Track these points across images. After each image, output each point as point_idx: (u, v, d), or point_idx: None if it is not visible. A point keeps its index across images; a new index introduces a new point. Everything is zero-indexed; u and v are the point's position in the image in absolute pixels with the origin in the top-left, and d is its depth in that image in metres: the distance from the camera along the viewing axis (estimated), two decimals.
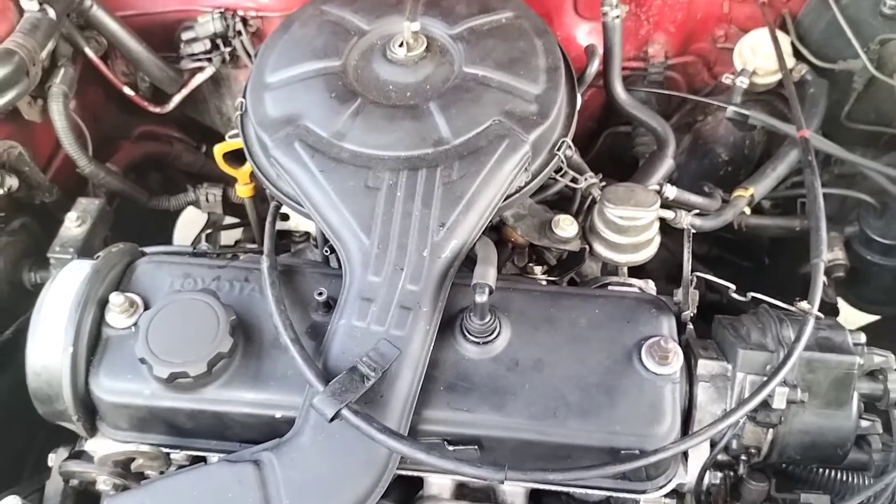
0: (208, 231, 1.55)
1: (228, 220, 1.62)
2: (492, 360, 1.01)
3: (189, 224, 1.82)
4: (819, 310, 1.69)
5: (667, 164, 1.40)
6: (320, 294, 1.03)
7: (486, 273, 0.98)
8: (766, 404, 0.99)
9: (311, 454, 0.91)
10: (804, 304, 0.99)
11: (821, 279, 1.02)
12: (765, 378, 0.98)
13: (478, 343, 1.01)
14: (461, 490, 1.10)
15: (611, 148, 1.85)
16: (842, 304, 1.84)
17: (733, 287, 1.06)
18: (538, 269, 1.21)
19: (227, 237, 1.66)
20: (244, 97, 1.20)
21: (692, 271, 1.77)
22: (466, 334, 1.01)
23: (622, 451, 0.95)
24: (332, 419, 0.87)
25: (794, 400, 0.98)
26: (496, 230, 1.26)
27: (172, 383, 0.97)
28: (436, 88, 1.15)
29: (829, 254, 1.50)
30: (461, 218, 1.04)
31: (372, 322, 0.97)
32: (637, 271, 1.32)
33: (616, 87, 1.47)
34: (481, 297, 0.96)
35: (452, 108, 1.11)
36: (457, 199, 1.05)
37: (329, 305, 1.03)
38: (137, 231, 1.66)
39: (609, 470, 0.87)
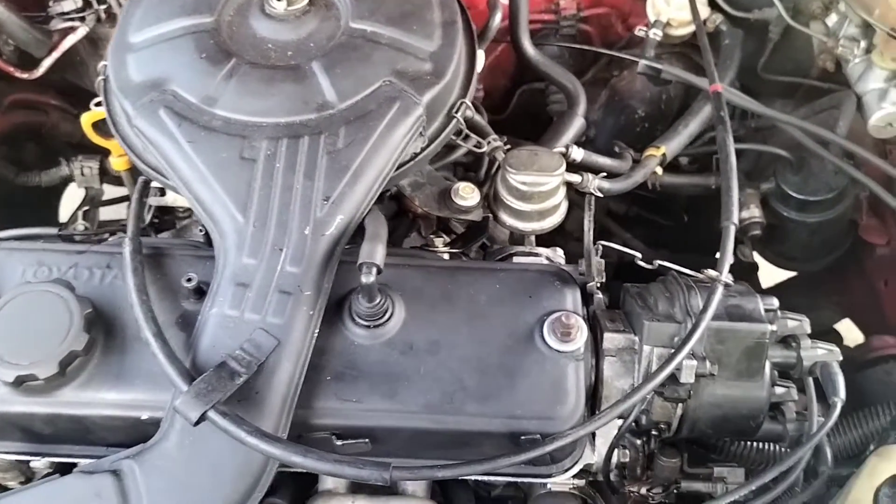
0: (85, 208, 1.42)
1: (112, 192, 1.49)
2: (384, 344, 0.93)
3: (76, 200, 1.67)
4: (736, 268, 1.67)
5: (577, 124, 1.33)
6: (189, 280, 0.92)
7: (374, 251, 0.89)
8: (674, 378, 0.93)
9: (177, 461, 0.82)
10: (711, 272, 0.93)
11: (731, 244, 0.96)
12: (672, 350, 0.92)
13: (368, 327, 0.93)
14: (359, 482, 1.02)
15: (526, 106, 1.77)
16: (761, 261, 1.83)
17: (639, 255, 1.00)
18: (439, 242, 1.13)
19: (116, 214, 1.53)
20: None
21: (607, 232, 1.75)
22: (355, 318, 0.93)
23: (522, 437, 0.88)
24: (196, 422, 0.78)
25: (703, 373, 0.93)
26: (396, 200, 1.17)
27: (21, 387, 0.86)
28: (320, 46, 1.04)
29: (745, 211, 1.47)
30: (347, 190, 0.95)
31: (247, 310, 0.88)
32: (562, 238, 1.26)
33: (523, 42, 1.38)
34: (368, 278, 0.87)
35: (338, 67, 1.01)
36: (343, 169, 0.95)
37: (202, 292, 0.93)
38: (14, 212, 1.53)
39: (501, 462, 0.80)
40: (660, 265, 0.98)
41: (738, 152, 1.56)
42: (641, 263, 1.00)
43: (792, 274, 1.85)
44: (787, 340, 1.02)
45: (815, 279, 1.82)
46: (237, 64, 1.02)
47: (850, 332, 1.81)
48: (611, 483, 1.00)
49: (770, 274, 1.88)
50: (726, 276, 0.93)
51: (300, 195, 0.93)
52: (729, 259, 0.94)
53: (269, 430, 0.83)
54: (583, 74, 1.72)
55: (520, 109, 1.78)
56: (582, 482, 1.01)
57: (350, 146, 0.96)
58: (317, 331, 0.90)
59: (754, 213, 1.46)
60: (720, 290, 0.92)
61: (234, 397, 0.82)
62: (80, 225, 1.35)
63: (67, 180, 1.45)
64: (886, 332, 1.53)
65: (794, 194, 1.46)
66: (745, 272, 1.79)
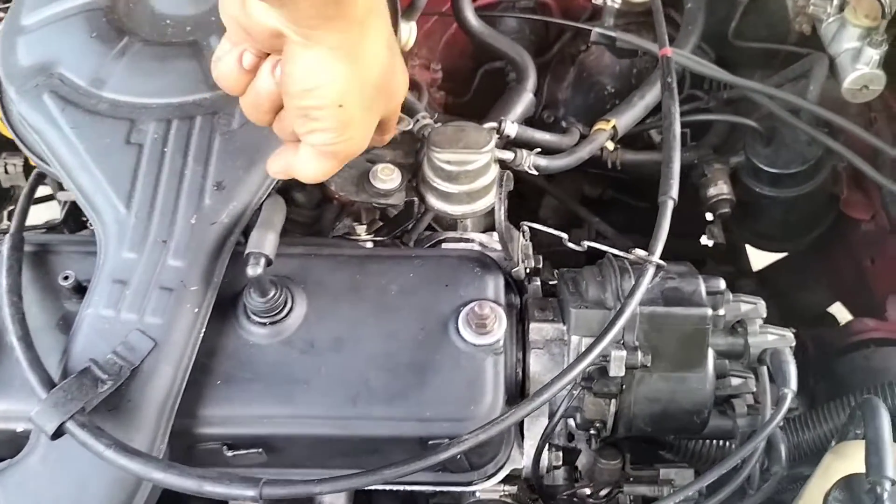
0: (10, 208, 1.35)
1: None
2: (282, 342, 0.85)
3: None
4: (718, 257, 1.58)
5: (525, 99, 1.24)
6: (66, 278, 0.85)
7: (263, 240, 0.81)
8: (603, 371, 0.84)
9: (40, 477, 0.75)
10: (640, 252, 0.84)
11: (666, 222, 0.86)
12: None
13: (263, 323, 0.85)
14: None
15: (490, 86, 1.68)
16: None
17: (565, 236, 0.91)
18: (361, 229, 1.04)
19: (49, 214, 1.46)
20: None
21: (576, 218, 1.65)
22: (249, 315, 0.85)
23: (431, 441, 0.80)
24: (53, 436, 0.71)
25: (635, 365, 0.83)
26: (321, 187, 1.09)
27: None
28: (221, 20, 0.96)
29: (712, 188, 1.37)
30: (242, 175, 0.87)
31: (124, 309, 0.80)
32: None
33: (466, 13, 1.29)
34: (255, 270, 0.79)
35: None
36: (237, 153, 0.87)
37: (82, 289, 0.85)
38: None
39: (390, 473, 0.72)
40: (588, 247, 0.89)
41: (707, 125, 1.48)
42: (571, 245, 0.90)
43: (781, 256, 1.76)
44: (735, 327, 0.92)
45: (803, 261, 1.73)
46: (130, 42, 0.94)
47: (845, 315, 1.72)
48: (542, 488, 0.91)
49: (761, 257, 1.79)
50: (658, 256, 0.83)
51: (189, 181, 0.86)
52: (663, 237, 0.85)
53: (144, 442, 0.75)
54: (547, 50, 1.64)
55: (483, 90, 1.68)
56: (514, 489, 0.92)
57: (246, 126, 0.88)
58: (202, 329, 0.82)
59: (723, 189, 1.35)
60: (651, 271, 0.82)
61: (103, 406, 0.75)
62: (5, 224, 1.28)
63: None
64: (876, 313, 1.43)
65: (766, 168, 1.36)
66: (727, 256, 1.70)
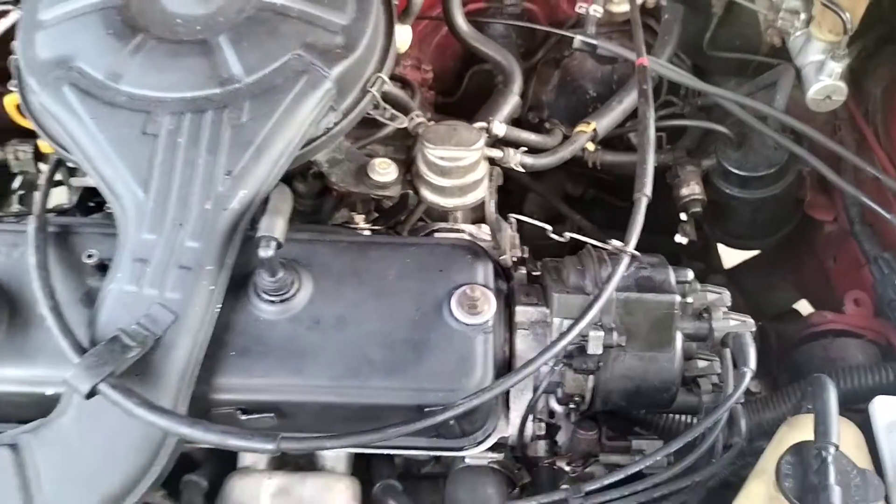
0: (21, 192, 1.41)
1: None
2: (290, 319, 0.92)
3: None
4: (690, 253, 1.67)
5: (511, 101, 1.32)
6: (90, 256, 0.92)
7: (273, 224, 0.89)
8: (583, 350, 0.93)
9: (73, 434, 0.82)
10: (617, 243, 0.92)
11: (640, 216, 0.95)
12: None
13: (273, 301, 0.92)
14: (279, 460, 1.02)
15: (478, 87, 1.76)
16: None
17: (549, 228, 0.99)
18: (359, 219, 1.12)
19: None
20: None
21: (558, 215, 1.73)
22: (260, 293, 0.92)
23: (426, 409, 0.88)
24: (88, 395, 0.78)
25: (611, 344, 0.92)
26: (320, 178, 1.16)
27: None
28: (229, 20, 1.02)
29: (685, 188, 1.46)
30: (251, 165, 0.93)
31: (146, 285, 0.87)
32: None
33: (457, 18, 1.37)
34: (266, 252, 0.87)
35: (245, 41, 1.00)
36: (246, 144, 0.94)
37: (105, 268, 0.92)
38: None
39: (391, 432, 0.80)
40: (571, 238, 0.97)
41: (681, 130, 1.57)
42: (553, 236, 0.99)
43: (751, 254, 1.85)
44: (701, 312, 1.01)
45: (772, 260, 1.82)
46: (144, 39, 1.00)
47: (810, 311, 1.81)
48: (526, 455, 0.99)
49: (732, 257, 1.88)
50: (633, 247, 0.92)
51: (202, 170, 0.93)
52: (637, 230, 0.94)
53: (167, 405, 0.82)
54: (533, 55, 1.72)
55: (471, 91, 1.76)
56: (500, 455, 1.00)
57: (254, 120, 0.95)
58: (219, 306, 0.89)
59: (695, 189, 1.45)
60: (626, 260, 0.91)
61: (131, 372, 0.82)
62: (15, 209, 1.34)
63: (2, 165, 1.43)
64: (837, 309, 1.52)
65: (735, 170, 1.45)
66: (699, 254, 1.79)
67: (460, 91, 1.77)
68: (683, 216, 1.53)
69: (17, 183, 1.69)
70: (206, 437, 0.77)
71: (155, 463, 0.83)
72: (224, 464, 1.02)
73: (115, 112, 0.95)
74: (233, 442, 0.77)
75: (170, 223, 0.90)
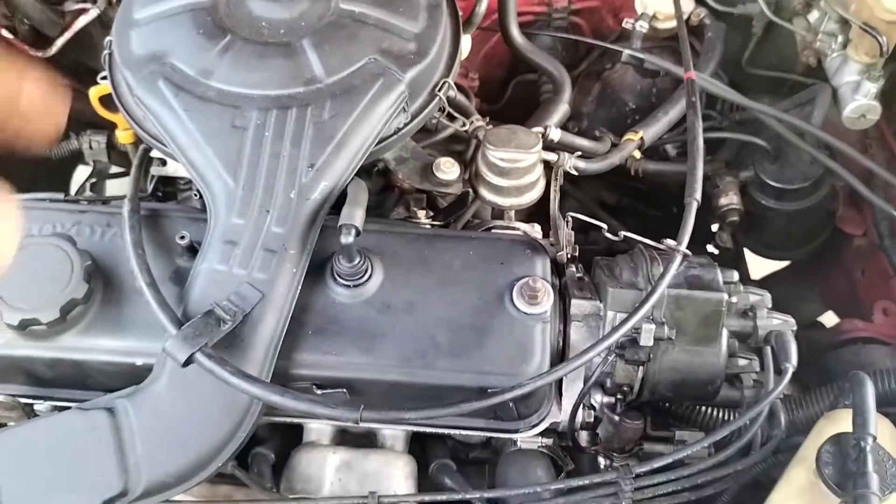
0: (93, 181, 1.49)
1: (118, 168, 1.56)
2: (363, 302, 0.99)
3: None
4: (718, 256, 1.73)
5: (561, 110, 1.39)
6: (182, 238, 0.99)
7: (353, 214, 0.96)
8: (634, 342, 0.99)
9: (166, 400, 0.89)
10: (671, 242, 0.99)
11: (691, 218, 1.02)
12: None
13: (348, 286, 0.99)
14: (342, 436, 1.09)
15: (521, 96, 1.84)
16: (752, 257, 1.88)
17: (605, 227, 1.06)
18: (422, 214, 1.19)
19: (120, 187, 1.60)
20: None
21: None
22: (336, 277, 0.99)
23: (489, 391, 0.94)
24: (185, 363, 0.85)
25: (662, 337, 0.99)
26: (383, 175, 1.23)
27: (26, 331, 0.93)
28: (310, 25, 1.10)
29: (723, 198, 1.52)
30: (331, 159, 1.01)
31: (234, 265, 0.94)
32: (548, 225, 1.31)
33: (512, 30, 1.44)
34: (347, 238, 0.94)
35: (326, 45, 1.07)
36: (327, 140, 1.01)
37: (194, 250, 1.00)
38: (27, 184, 1.60)
39: (464, 407, 0.86)
40: (625, 237, 1.04)
41: (720, 142, 1.64)
42: (608, 235, 1.06)
43: (779, 266, 1.91)
44: (746, 312, 1.07)
45: (799, 272, 1.87)
46: (232, 40, 1.08)
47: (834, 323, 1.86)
48: (576, 442, 1.06)
49: (759, 268, 1.94)
50: (685, 247, 0.98)
51: (287, 162, 1.00)
52: (688, 231, 1.00)
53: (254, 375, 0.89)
54: (576, 67, 1.78)
55: (514, 100, 1.84)
56: (549, 441, 1.06)
57: (335, 118, 1.02)
58: (299, 287, 0.96)
59: (733, 199, 1.51)
60: (678, 258, 0.97)
61: (220, 344, 0.89)
62: (88, 194, 1.42)
63: (77, 154, 1.52)
64: (865, 319, 1.58)
65: (772, 182, 1.51)
66: (730, 263, 1.85)
67: (504, 99, 1.84)
68: (714, 226, 1.59)
69: (79, 172, 1.78)
70: (295, 405, 0.84)
71: (240, 429, 0.90)
72: (288, 439, 1.09)
73: (207, 106, 1.02)
74: (320, 410, 0.84)
75: (257, 209, 0.97)
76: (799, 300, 1.90)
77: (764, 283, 1.95)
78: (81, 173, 1.75)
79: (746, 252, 1.82)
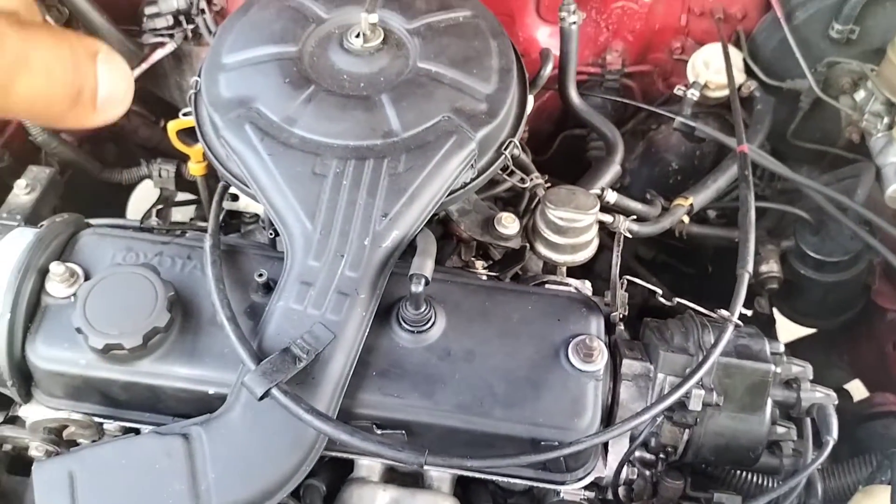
0: (159, 207, 1.56)
1: (181, 196, 1.63)
2: (425, 348, 1.04)
3: (143, 199, 1.82)
4: (753, 320, 1.77)
5: (613, 170, 1.45)
6: (260, 275, 1.05)
7: (424, 264, 1.01)
8: (683, 405, 1.03)
9: (239, 430, 0.94)
10: (724, 312, 1.04)
11: (744, 289, 1.06)
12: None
13: (412, 332, 1.04)
14: (390, 474, 1.13)
15: (567, 150, 1.90)
16: (781, 320, 1.91)
17: (660, 291, 1.11)
18: (479, 265, 1.24)
19: (180, 214, 1.67)
20: (199, 76, 1.21)
21: (635, 275, 1.84)
22: (402, 322, 1.04)
23: (542, 443, 0.98)
24: (261, 398, 0.90)
25: (710, 403, 1.03)
26: (443, 224, 1.29)
27: (107, 354, 0.98)
28: (389, 81, 1.17)
29: (764, 266, 1.57)
30: (404, 209, 1.06)
31: (309, 305, 1.00)
32: (591, 277, 1.36)
33: (570, 91, 1.51)
34: (417, 288, 0.99)
35: (404, 101, 1.13)
36: (401, 191, 1.07)
37: (269, 287, 1.05)
38: (90, 202, 1.67)
39: (524, 459, 0.91)
40: (678, 303, 1.08)
41: (762, 210, 1.69)
42: (662, 300, 1.10)
43: (808, 332, 1.94)
44: (789, 382, 1.11)
45: (829, 339, 1.91)
46: (316, 90, 1.14)
47: (861, 392, 1.89)
48: (618, 498, 1.09)
49: (788, 332, 1.98)
50: (737, 318, 1.03)
51: (362, 210, 1.05)
52: (741, 302, 1.05)
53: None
54: (623, 125, 1.85)
55: (561, 152, 1.90)
56: (591, 494, 1.10)
57: (409, 171, 1.08)
58: (367, 330, 1.01)
59: (773, 267, 1.56)
60: (731, 328, 1.02)
61: (293, 380, 0.93)
62: (154, 221, 1.48)
63: (144, 180, 1.59)
64: (892, 392, 1.61)
65: (812, 254, 1.56)
66: (763, 326, 1.89)
67: (551, 151, 1.90)
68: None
69: (138, 193, 1.85)
70: (363, 445, 0.88)
71: (305, 462, 0.94)
72: (338, 472, 1.13)
73: (290, 152, 1.08)
74: (386, 452, 0.89)
75: (332, 253, 1.03)
76: (827, 366, 1.93)
77: (793, 347, 1.99)
78: (140, 194, 1.83)
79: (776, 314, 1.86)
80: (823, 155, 1.73)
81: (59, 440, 1.08)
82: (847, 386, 1.92)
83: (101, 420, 1.06)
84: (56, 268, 1.03)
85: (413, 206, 1.07)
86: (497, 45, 1.23)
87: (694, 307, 1.09)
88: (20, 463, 1.17)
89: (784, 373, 1.12)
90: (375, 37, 1.19)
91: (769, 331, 1.93)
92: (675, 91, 1.65)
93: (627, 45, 1.75)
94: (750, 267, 1.09)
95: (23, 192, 1.30)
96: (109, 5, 1.55)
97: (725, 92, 1.60)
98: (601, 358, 1.03)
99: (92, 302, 0.99)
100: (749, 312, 1.75)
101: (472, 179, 1.15)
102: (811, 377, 1.14)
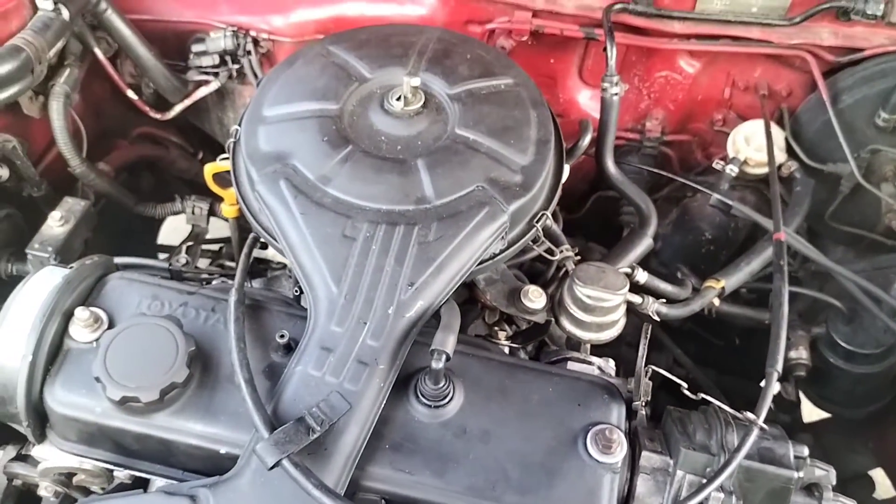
0: (189, 244, 1.57)
1: (212, 234, 1.64)
2: (441, 424, 1.03)
3: (174, 230, 1.83)
4: (779, 406, 1.73)
5: (645, 243, 1.43)
6: (282, 336, 1.04)
7: (446, 340, 0.99)
8: None
9: (247, 497, 0.92)
10: (750, 415, 1.01)
11: (771, 389, 1.04)
12: (703, 480, 1.00)
13: (429, 406, 1.03)
14: None
15: (599, 211, 1.88)
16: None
17: (685, 385, 1.08)
18: (502, 335, 1.23)
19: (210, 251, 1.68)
20: (239, 125, 1.22)
21: (660, 343, 1.81)
22: (419, 396, 1.03)
23: None
24: (271, 467, 0.89)
25: None
26: (468, 288, 1.28)
27: (124, 405, 0.98)
28: (426, 146, 1.16)
29: (793, 351, 1.53)
30: (431, 280, 1.05)
31: (328, 373, 0.99)
32: (616, 340, 1.34)
33: (607, 160, 1.49)
34: (437, 364, 0.98)
35: (439, 168, 1.13)
36: (429, 261, 1.06)
37: (290, 348, 1.05)
38: (123, 231, 1.69)
39: None
40: (703, 398, 1.06)
41: (795, 294, 1.65)
42: (686, 393, 1.08)
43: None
44: (810, 488, 1.07)
45: (853, 423, 1.86)
46: (353, 150, 1.14)
47: (884, 481, 1.83)
48: None
49: (813, 409, 1.93)
50: (762, 420, 1.00)
51: (389, 277, 1.05)
52: (767, 403, 1.02)
53: (331, 485, 0.92)
54: (658, 190, 1.83)
55: (593, 213, 1.88)
56: None
57: (439, 240, 1.07)
58: (384, 402, 1.00)
59: (802, 354, 1.52)
60: (756, 432, 0.99)
61: (304, 449, 0.92)
62: (183, 258, 1.49)
63: (177, 214, 1.60)
64: None
65: (843, 344, 1.52)
66: (787, 408, 1.85)
67: (583, 210, 1.89)
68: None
69: (168, 224, 1.87)
70: None
71: None
72: None
73: (322, 212, 1.08)
74: None
75: (355, 320, 1.02)
76: (851, 451, 1.88)
77: (816, 428, 1.94)
78: (170, 225, 1.84)
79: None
80: (861, 239, 1.69)
81: (69, 483, 1.08)
82: (871, 473, 1.87)
83: (111, 467, 1.06)
84: (81, 313, 1.03)
85: (440, 276, 1.06)
86: (536, 115, 1.22)
87: (719, 404, 1.06)
88: (29, 497, 1.17)
89: (807, 475, 1.08)
90: (416, 100, 1.19)
91: (794, 412, 1.89)
92: (713, 165, 1.63)
93: (668, 113, 1.73)
94: (779, 366, 1.07)
95: (56, 224, 1.31)
96: (157, 40, 1.58)
97: (765, 169, 1.58)
98: (620, 450, 1.01)
99: (113, 352, 0.99)
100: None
101: (502, 251, 1.14)
102: (834, 482, 1.10)
